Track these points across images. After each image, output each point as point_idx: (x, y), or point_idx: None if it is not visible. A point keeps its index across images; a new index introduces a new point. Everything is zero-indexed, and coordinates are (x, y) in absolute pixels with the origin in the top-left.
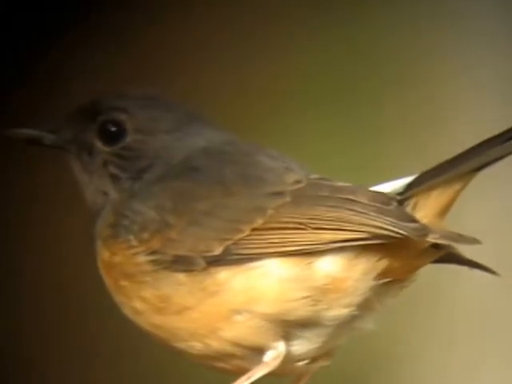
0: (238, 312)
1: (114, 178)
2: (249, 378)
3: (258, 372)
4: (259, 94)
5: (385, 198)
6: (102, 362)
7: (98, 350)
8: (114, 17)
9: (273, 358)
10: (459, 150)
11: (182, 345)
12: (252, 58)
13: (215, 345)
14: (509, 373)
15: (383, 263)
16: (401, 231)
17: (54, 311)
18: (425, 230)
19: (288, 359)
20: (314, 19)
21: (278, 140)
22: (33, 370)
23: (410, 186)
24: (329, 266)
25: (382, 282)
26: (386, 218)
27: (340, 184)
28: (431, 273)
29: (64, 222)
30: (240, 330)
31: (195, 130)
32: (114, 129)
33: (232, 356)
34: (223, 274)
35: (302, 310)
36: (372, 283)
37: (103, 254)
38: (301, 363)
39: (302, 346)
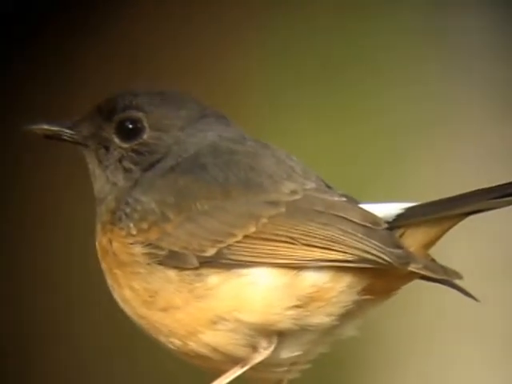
0: (223, 318)
1: (127, 171)
2: (242, 366)
3: (252, 361)
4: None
5: (375, 218)
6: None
7: (97, 349)
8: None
9: (264, 347)
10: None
11: (162, 339)
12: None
13: (193, 346)
14: (505, 372)
15: (368, 279)
16: (385, 258)
17: (53, 310)
18: (408, 258)
19: (267, 364)
20: None
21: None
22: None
23: (399, 217)
24: (316, 276)
25: (364, 297)
26: (372, 241)
27: (334, 198)
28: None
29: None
30: (220, 336)
31: (206, 126)
32: (131, 126)
33: (209, 358)
34: (213, 279)
35: (286, 321)
36: (355, 297)
37: (101, 239)
38: (280, 369)
39: (281, 352)
